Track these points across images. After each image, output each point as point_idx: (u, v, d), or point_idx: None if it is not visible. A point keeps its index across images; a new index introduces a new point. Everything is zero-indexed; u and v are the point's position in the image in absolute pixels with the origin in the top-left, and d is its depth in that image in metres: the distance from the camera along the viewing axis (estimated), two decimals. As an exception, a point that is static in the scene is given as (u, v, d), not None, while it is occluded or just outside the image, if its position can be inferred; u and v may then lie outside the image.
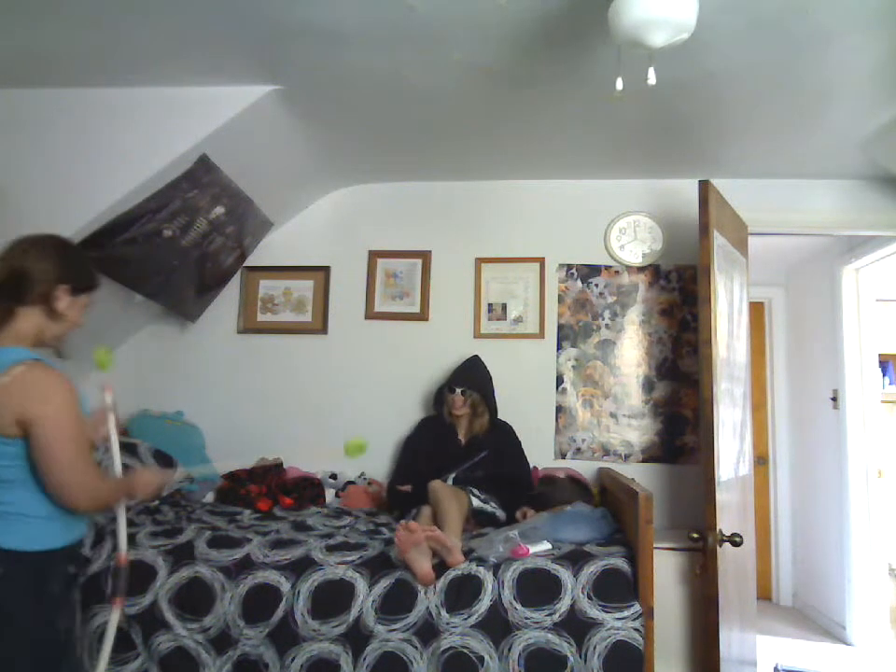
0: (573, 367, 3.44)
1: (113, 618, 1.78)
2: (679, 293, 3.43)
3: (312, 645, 2.19)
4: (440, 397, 3.22)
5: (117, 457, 1.86)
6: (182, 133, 2.57)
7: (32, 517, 1.61)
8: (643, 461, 3.34)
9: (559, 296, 3.49)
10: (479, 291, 3.53)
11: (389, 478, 3.29)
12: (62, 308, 1.67)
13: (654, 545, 2.25)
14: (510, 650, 2.14)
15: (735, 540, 2.32)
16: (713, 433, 2.39)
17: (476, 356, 3.27)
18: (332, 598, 2.23)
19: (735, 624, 2.55)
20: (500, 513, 2.86)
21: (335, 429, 3.48)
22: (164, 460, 3.08)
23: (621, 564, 2.25)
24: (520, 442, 3.17)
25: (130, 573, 2.29)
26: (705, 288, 2.49)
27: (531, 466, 3.18)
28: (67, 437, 1.58)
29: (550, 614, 2.16)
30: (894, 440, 4.48)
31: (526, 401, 3.39)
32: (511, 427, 3.20)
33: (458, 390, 3.10)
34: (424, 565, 2.20)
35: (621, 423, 3.38)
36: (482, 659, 2.13)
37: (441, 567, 2.25)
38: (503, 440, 3.14)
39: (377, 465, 3.42)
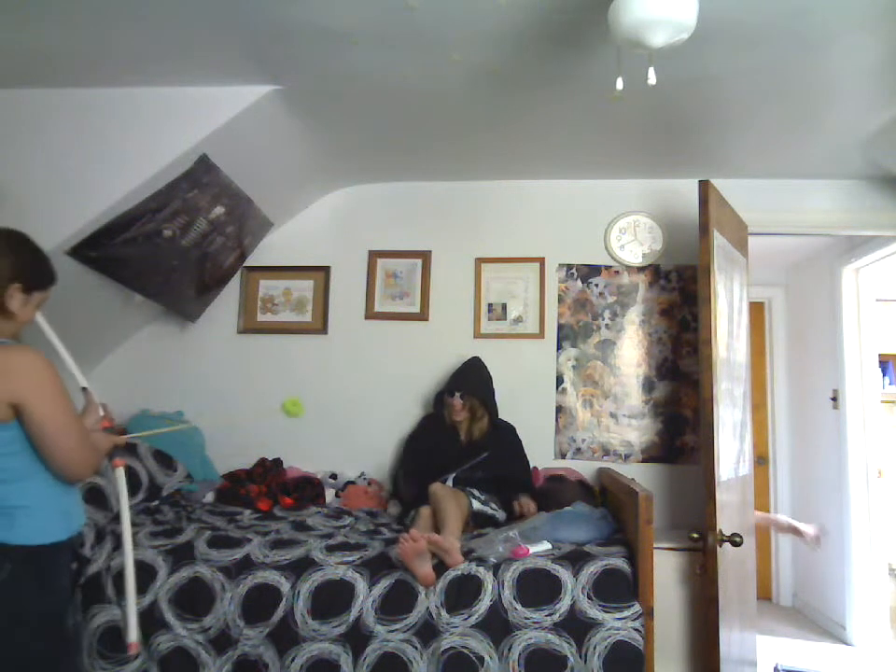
0: (573, 367, 3.44)
1: (119, 478, 1.84)
2: (679, 293, 3.43)
3: (312, 645, 2.19)
4: (439, 400, 3.21)
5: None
6: (182, 133, 2.57)
7: (35, 509, 1.58)
8: (643, 461, 3.33)
9: (559, 296, 3.49)
10: (479, 291, 3.53)
11: (399, 469, 3.27)
12: (14, 308, 1.63)
13: (654, 545, 2.25)
14: (510, 650, 2.14)
15: (735, 540, 2.32)
16: (713, 433, 2.39)
17: (476, 357, 3.26)
18: (332, 598, 2.23)
19: (734, 624, 2.55)
20: (500, 515, 2.85)
21: (335, 429, 3.49)
22: (164, 460, 3.08)
23: (621, 564, 2.25)
24: (521, 443, 3.17)
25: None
26: (705, 288, 2.49)
27: (531, 466, 3.18)
28: (61, 411, 1.57)
29: (550, 614, 2.16)
30: (894, 440, 4.49)
31: (526, 401, 3.38)
32: (512, 428, 3.20)
33: (457, 394, 3.09)
34: (424, 567, 2.21)
35: (621, 423, 3.38)
36: (482, 659, 2.13)
37: (440, 567, 2.25)
38: (504, 440, 3.14)
39: (377, 465, 3.42)
